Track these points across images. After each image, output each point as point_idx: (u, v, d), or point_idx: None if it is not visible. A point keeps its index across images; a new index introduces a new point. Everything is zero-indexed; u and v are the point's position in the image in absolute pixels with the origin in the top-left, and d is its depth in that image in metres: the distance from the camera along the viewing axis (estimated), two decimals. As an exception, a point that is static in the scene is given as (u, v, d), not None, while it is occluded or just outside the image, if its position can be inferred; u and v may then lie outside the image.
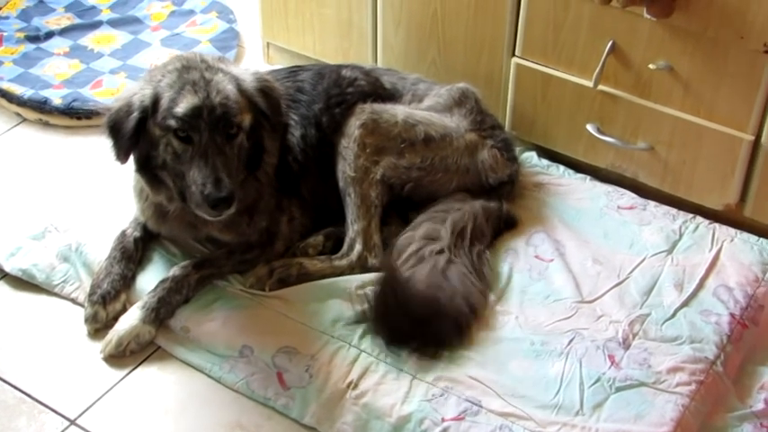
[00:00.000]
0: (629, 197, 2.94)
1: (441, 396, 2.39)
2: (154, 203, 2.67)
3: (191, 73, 2.48)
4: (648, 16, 2.64)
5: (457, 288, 2.57)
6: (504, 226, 2.83)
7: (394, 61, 3.24)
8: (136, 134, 2.49)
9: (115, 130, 2.52)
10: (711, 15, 2.59)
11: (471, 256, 2.68)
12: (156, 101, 2.48)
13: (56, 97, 3.38)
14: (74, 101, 3.37)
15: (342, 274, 2.69)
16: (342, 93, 2.85)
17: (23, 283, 2.77)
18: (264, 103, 2.57)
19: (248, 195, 2.65)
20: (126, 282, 2.69)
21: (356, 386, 2.43)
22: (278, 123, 2.66)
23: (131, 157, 2.56)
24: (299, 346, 2.51)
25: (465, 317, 2.54)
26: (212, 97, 2.45)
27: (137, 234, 2.76)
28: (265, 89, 2.59)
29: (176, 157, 2.47)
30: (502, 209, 2.81)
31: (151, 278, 2.68)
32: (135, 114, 2.48)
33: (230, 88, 2.49)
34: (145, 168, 2.56)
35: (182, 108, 2.43)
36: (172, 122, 2.44)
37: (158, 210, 2.67)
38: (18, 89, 3.41)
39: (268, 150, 2.64)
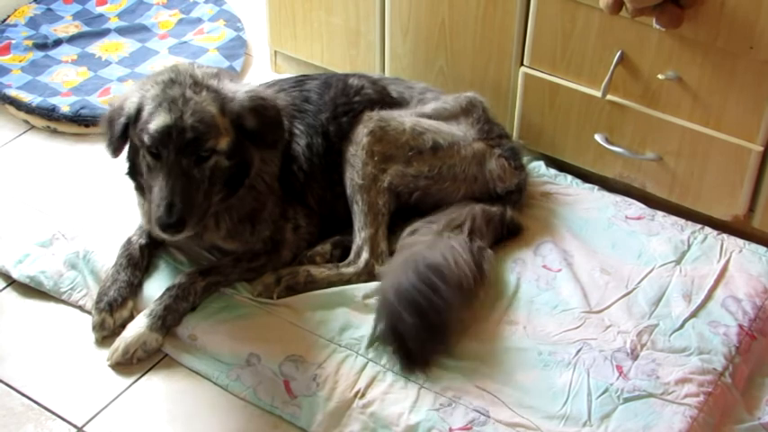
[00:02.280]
0: (637, 207, 2.94)
1: (448, 406, 2.39)
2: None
3: (174, 89, 2.48)
4: (658, 26, 2.64)
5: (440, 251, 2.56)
6: (507, 233, 2.82)
7: (401, 70, 3.25)
8: (123, 137, 2.53)
9: (110, 126, 2.56)
10: (721, 26, 2.59)
11: (471, 245, 2.65)
12: (139, 111, 2.49)
13: (64, 105, 3.39)
14: (82, 108, 3.37)
15: (349, 281, 2.69)
16: (349, 102, 2.85)
17: (31, 290, 2.77)
18: (255, 122, 2.53)
19: (245, 205, 2.65)
20: (132, 289, 2.69)
21: (363, 395, 2.42)
22: (274, 141, 2.64)
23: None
24: (307, 355, 2.51)
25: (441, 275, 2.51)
26: (185, 118, 2.43)
27: (142, 241, 2.76)
28: (259, 108, 2.56)
29: (149, 169, 2.49)
30: (504, 214, 2.80)
31: (158, 286, 2.68)
32: (122, 120, 2.51)
33: (209, 110, 2.47)
34: (132, 173, 2.60)
35: (153, 125, 2.43)
36: (145, 137, 2.45)
37: None
38: (26, 96, 3.42)
39: (255, 166, 2.61)
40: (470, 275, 2.58)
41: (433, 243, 2.62)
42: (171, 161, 2.43)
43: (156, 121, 2.43)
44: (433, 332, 2.47)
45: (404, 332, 2.46)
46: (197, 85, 2.50)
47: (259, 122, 2.55)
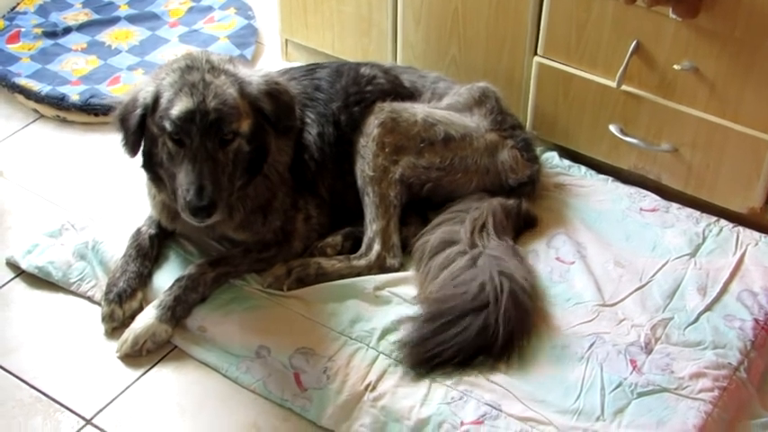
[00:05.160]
0: (651, 199, 2.91)
1: (460, 399, 2.37)
2: (162, 201, 2.65)
3: (192, 74, 2.46)
4: (674, 16, 2.61)
5: (489, 271, 2.52)
6: (523, 225, 2.80)
7: (413, 59, 3.22)
8: (140, 130, 2.50)
9: (123, 123, 2.54)
10: (738, 16, 2.55)
11: (503, 247, 2.63)
12: (156, 99, 2.47)
13: (73, 93, 3.37)
14: (91, 97, 3.36)
15: (360, 274, 2.67)
16: (360, 91, 2.83)
17: (40, 280, 2.75)
18: (271, 106, 2.53)
19: (259, 195, 2.63)
20: (142, 279, 2.68)
21: (374, 388, 2.41)
22: (287, 127, 2.62)
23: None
24: (317, 347, 2.49)
25: (508, 295, 2.48)
26: (207, 102, 2.42)
27: (152, 231, 2.75)
28: (273, 92, 2.55)
29: (171, 157, 2.47)
30: (521, 206, 2.78)
31: (168, 277, 2.67)
32: (138, 111, 2.49)
33: (230, 92, 2.46)
34: (148, 165, 2.57)
35: (176, 110, 2.42)
36: (166, 124, 2.43)
37: (167, 207, 2.66)
38: (35, 85, 3.40)
39: (272, 152, 2.60)
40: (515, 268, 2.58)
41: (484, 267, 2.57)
42: (196, 145, 2.41)
43: (179, 107, 2.41)
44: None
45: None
46: (214, 69, 2.48)
47: (274, 107, 2.54)
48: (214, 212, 2.43)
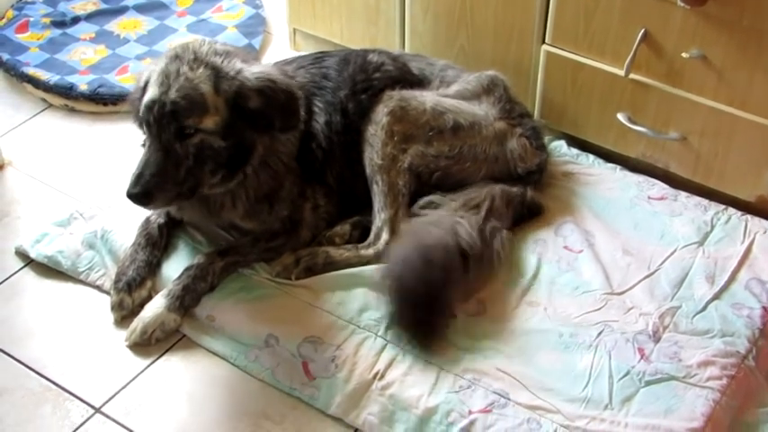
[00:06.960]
0: (659, 187, 2.90)
1: (468, 388, 2.37)
2: None
3: (174, 64, 2.47)
4: (682, 4, 2.60)
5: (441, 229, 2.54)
6: (528, 213, 2.79)
7: (422, 48, 3.21)
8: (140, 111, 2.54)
9: (132, 101, 2.59)
10: (747, 3, 2.54)
11: (484, 227, 2.62)
12: (146, 84, 2.51)
13: (82, 83, 3.37)
14: (100, 87, 3.36)
15: (368, 263, 2.67)
16: (368, 78, 2.82)
17: (49, 269, 2.76)
18: (259, 102, 2.48)
19: (263, 184, 2.62)
20: (151, 268, 2.68)
21: (382, 377, 2.41)
22: (283, 127, 2.59)
23: None
24: (325, 336, 2.49)
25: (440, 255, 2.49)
26: (170, 93, 2.42)
27: (161, 220, 2.75)
28: (265, 89, 2.50)
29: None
30: (525, 195, 2.77)
31: (177, 266, 2.67)
32: (137, 95, 2.53)
33: (200, 87, 2.44)
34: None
35: (145, 98, 2.45)
36: (140, 109, 2.46)
37: None
38: (44, 75, 3.40)
39: (258, 149, 2.56)
40: (477, 253, 2.56)
41: (438, 220, 2.60)
42: (153, 134, 2.44)
43: (147, 95, 2.45)
44: (432, 307, 2.47)
45: (409, 310, 2.46)
46: (196, 61, 2.48)
47: (264, 105, 2.50)
48: (150, 202, 2.45)
